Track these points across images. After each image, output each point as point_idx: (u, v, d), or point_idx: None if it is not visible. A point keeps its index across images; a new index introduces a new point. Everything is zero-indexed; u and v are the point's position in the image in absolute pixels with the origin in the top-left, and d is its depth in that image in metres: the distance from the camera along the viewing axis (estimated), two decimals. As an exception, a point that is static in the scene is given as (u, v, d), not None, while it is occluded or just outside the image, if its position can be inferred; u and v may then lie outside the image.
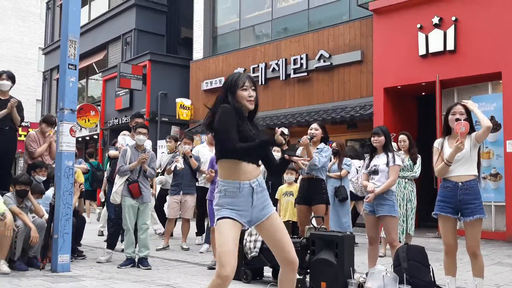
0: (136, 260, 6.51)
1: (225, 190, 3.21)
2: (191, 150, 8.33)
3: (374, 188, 5.24)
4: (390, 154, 5.35)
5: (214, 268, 6.19)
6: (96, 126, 19.46)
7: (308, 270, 5.14)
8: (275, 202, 7.61)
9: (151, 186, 8.45)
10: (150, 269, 6.33)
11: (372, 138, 5.46)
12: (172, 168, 8.12)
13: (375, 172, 5.37)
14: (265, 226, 3.34)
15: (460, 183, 4.38)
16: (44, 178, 6.97)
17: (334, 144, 8.56)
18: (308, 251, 5.16)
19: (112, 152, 8.24)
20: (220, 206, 3.23)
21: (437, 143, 4.62)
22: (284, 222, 7.06)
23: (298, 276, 5.17)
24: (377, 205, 5.28)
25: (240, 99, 3.30)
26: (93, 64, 21.69)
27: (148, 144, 7.48)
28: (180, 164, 7.97)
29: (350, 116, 11.43)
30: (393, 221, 5.29)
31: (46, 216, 6.37)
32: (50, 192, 6.69)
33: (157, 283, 5.48)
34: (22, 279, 5.42)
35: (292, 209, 7.28)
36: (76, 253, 7.07)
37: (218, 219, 3.21)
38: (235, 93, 3.30)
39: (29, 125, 17.84)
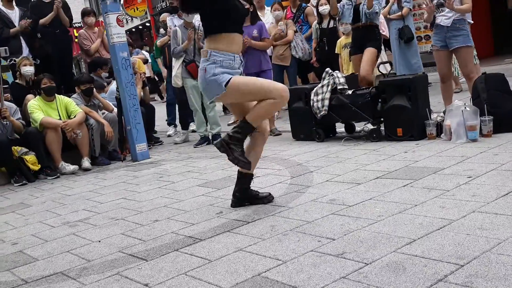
0: (210, 137, 6.62)
1: (221, 61, 3.20)
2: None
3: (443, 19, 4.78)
4: (458, -21, 4.80)
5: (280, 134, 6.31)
6: (146, 13, 19.20)
7: (382, 119, 4.99)
8: (336, 56, 7.29)
9: None
10: (225, 143, 6.42)
11: None
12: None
13: (443, 4, 4.87)
14: None
15: None
16: (108, 74, 7.07)
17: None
18: (379, 100, 4.96)
19: (158, 42, 8.35)
20: (220, 73, 3.20)
21: None
22: (349, 75, 6.82)
23: (372, 126, 5.06)
24: (450, 37, 4.86)
25: None
26: (127, -51, 20.87)
27: (198, 19, 7.20)
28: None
29: None
30: (469, 51, 4.91)
31: (116, 110, 6.50)
32: (113, 86, 6.75)
33: (233, 155, 5.54)
34: (107, 172, 5.68)
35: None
36: (153, 140, 7.30)
37: (228, 81, 3.17)
38: None
39: (81, 25, 17.87)
